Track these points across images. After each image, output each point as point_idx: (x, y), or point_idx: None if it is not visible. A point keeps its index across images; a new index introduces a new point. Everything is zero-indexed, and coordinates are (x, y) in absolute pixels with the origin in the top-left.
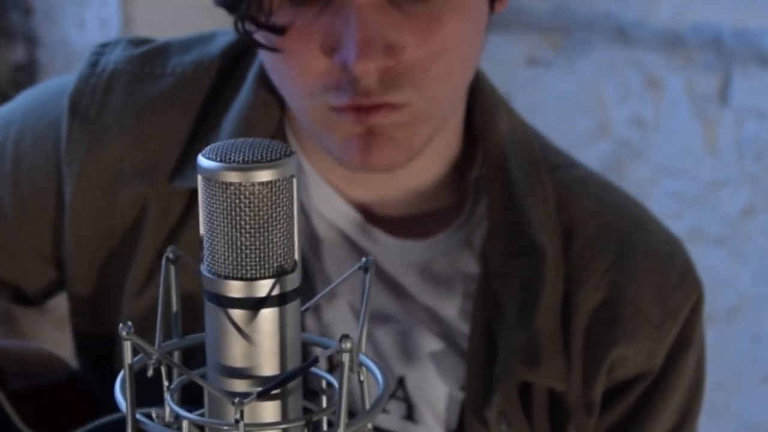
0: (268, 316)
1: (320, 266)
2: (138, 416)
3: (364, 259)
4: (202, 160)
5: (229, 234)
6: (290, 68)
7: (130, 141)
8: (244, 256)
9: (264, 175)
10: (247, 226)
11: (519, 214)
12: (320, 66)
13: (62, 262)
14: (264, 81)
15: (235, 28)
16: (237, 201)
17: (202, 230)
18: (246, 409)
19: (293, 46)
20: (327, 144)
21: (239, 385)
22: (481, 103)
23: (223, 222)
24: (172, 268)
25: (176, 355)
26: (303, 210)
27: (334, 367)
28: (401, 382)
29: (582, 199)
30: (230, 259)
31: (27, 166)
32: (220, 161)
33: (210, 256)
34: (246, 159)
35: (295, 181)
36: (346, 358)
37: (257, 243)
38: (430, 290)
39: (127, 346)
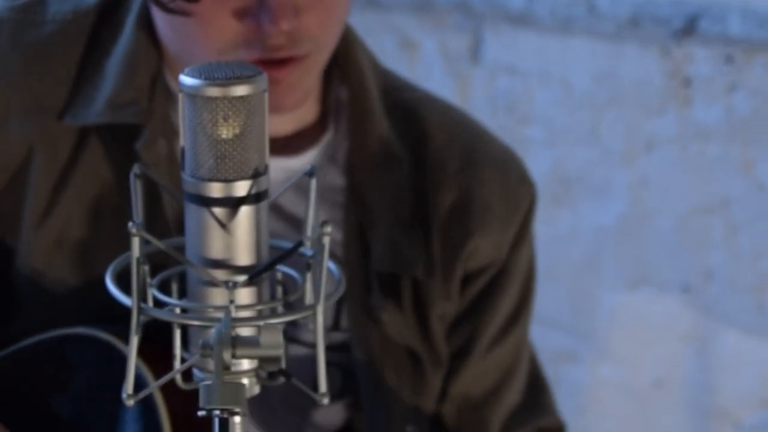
0: (246, 212)
1: None
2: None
3: (309, 165)
4: (185, 79)
5: (212, 142)
6: (201, 32)
7: (17, 82)
8: (225, 160)
9: (242, 90)
10: (228, 135)
11: (379, 130)
12: (232, 28)
13: None
14: (142, 27)
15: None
16: (219, 112)
17: (182, 141)
18: (223, 295)
19: (206, 11)
20: None
21: (219, 275)
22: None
23: (206, 132)
24: (139, 183)
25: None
26: None
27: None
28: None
29: (429, 115)
30: (212, 164)
31: None
32: (204, 79)
33: (193, 163)
34: (226, 76)
35: (266, 95)
36: (326, 240)
37: (237, 149)
38: (303, 203)
39: (135, 242)
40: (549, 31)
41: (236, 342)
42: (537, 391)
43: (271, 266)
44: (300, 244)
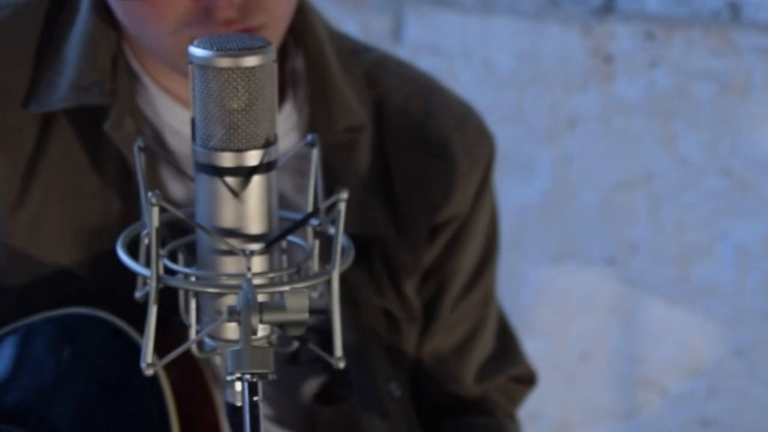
0: (257, 181)
1: (179, 175)
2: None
3: (309, 136)
4: (196, 51)
5: (223, 113)
6: (152, 12)
7: None
8: (236, 130)
9: (253, 60)
10: (239, 105)
11: (340, 97)
12: (182, 5)
13: None
14: (98, 9)
15: None
16: (231, 83)
17: (193, 113)
18: (236, 263)
19: None
20: (167, 56)
21: (233, 243)
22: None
23: (217, 103)
24: (143, 156)
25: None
26: (153, 125)
27: None
28: None
29: (385, 76)
30: (223, 134)
31: None
32: (215, 50)
33: (203, 134)
34: (237, 47)
35: (275, 66)
36: (342, 206)
37: (247, 119)
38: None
39: (155, 211)
40: (470, 11)
41: (263, 307)
42: (507, 341)
43: (290, 231)
44: (317, 211)
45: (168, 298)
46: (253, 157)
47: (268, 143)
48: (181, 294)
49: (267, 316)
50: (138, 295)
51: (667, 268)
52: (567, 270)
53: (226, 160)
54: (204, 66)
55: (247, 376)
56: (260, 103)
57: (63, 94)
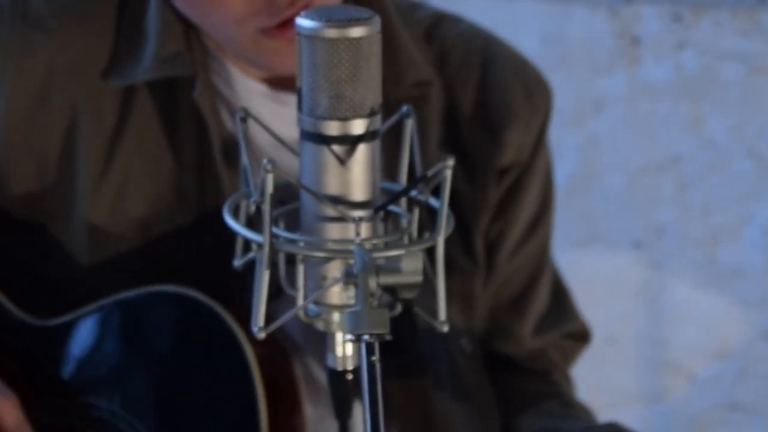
0: (362, 149)
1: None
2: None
3: (404, 107)
4: (303, 21)
5: (329, 83)
6: (213, 6)
7: (57, 43)
8: (342, 100)
9: (359, 31)
10: (346, 75)
11: (405, 54)
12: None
13: None
14: None
15: None
16: (337, 54)
17: (299, 83)
18: (340, 229)
19: None
20: (254, 59)
21: (331, 211)
22: None
23: (324, 73)
24: (244, 125)
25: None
26: (225, 97)
27: None
28: None
29: (444, 32)
30: (330, 103)
31: None
32: (322, 21)
33: (310, 103)
34: (344, 18)
35: (380, 36)
36: (448, 173)
37: (353, 88)
38: None
39: (269, 178)
40: None
41: (379, 269)
42: (561, 296)
43: (401, 196)
44: (424, 177)
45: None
46: (358, 126)
47: (372, 112)
48: (282, 263)
49: (383, 278)
50: (238, 263)
51: (694, 251)
52: (593, 253)
53: (332, 128)
54: (311, 37)
55: (366, 337)
56: (365, 73)
57: (146, 66)
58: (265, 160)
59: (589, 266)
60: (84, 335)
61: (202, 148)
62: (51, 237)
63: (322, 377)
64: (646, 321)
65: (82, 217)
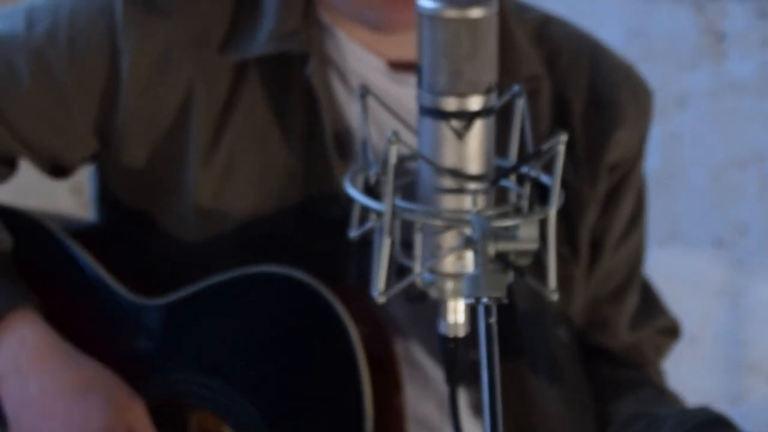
0: (479, 125)
1: (355, 118)
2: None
3: (516, 87)
4: (426, 2)
5: (449, 60)
6: None
7: (178, 16)
8: (461, 77)
9: (478, 12)
10: (465, 53)
11: (518, 48)
12: None
13: (109, 134)
14: None
15: None
16: (457, 33)
17: (420, 61)
18: (449, 199)
19: None
20: (362, 11)
21: (448, 183)
22: None
23: (443, 51)
24: (364, 102)
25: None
26: (340, 71)
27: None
28: None
29: (553, 33)
30: (449, 80)
31: (82, 47)
32: (445, 2)
33: (430, 80)
34: (464, 0)
35: (497, 18)
36: (562, 149)
37: (472, 66)
38: None
39: (393, 150)
40: None
41: (497, 236)
42: (651, 292)
43: (517, 168)
44: (539, 152)
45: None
46: (475, 102)
47: (489, 90)
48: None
49: (501, 245)
50: (354, 233)
51: None
52: (674, 252)
53: (451, 104)
54: (432, 17)
55: (484, 300)
56: (483, 52)
57: (263, 40)
58: (390, 132)
59: (670, 264)
60: (189, 314)
61: (312, 126)
62: (159, 213)
63: (420, 357)
64: (726, 320)
65: (190, 193)
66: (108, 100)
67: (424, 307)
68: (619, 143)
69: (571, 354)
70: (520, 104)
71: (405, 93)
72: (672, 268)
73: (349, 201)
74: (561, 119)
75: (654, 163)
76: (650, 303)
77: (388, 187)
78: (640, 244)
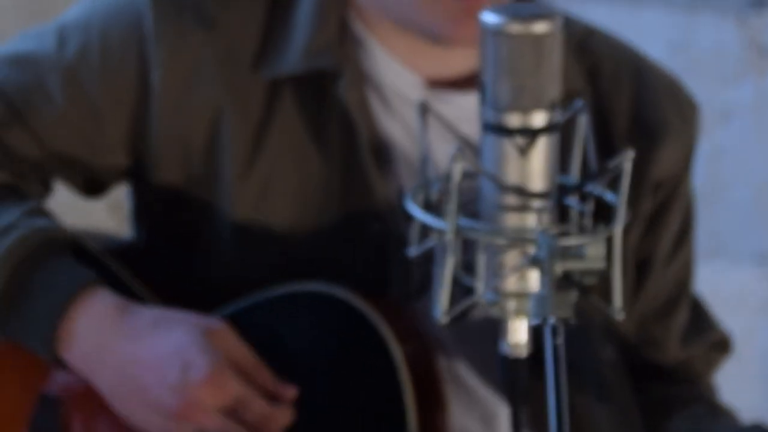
0: (542, 141)
1: (395, 134)
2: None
3: (579, 101)
4: (489, 17)
5: (512, 76)
6: None
7: (209, 35)
8: (525, 92)
9: (542, 27)
10: (529, 69)
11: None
12: None
13: (141, 149)
14: None
15: None
16: (521, 49)
17: (484, 76)
18: (512, 217)
19: None
20: (423, 21)
21: (511, 200)
22: None
23: (507, 67)
24: (425, 116)
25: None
26: (376, 86)
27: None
28: None
29: (596, 46)
30: (513, 95)
31: (114, 64)
32: (507, 18)
33: (493, 96)
34: (528, 15)
35: (561, 34)
36: (628, 166)
37: (535, 82)
38: None
39: (457, 168)
40: (619, 3)
41: (564, 255)
42: (700, 307)
43: (584, 186)
44: (605, 169)
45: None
46: (538, 118)
47: (552, 105)
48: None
49: (568, 264)
50: (414, 252)
51: None
52: (716, 268)
53: (514, 120)
54: (497, 33)
55: (551, 320)
56: (547, 67)
57: (295, 58)
58: (454, 149)
59: (713, 280)
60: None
61: (349, 144)
62: (196, 231)
63: (464, 374)
64: None
65: (227, 212)
66: (140, 113)
67: (469, 323)
68: (664, 160)
69: (618, 372)
70: (583, 120)
71: (443, 109)
72: (715, 284)
73: (391, 216)
74: (602, 135)
75: (697, 178)
76: (700, 318)
77: (452, 206)
78: (688, 260)
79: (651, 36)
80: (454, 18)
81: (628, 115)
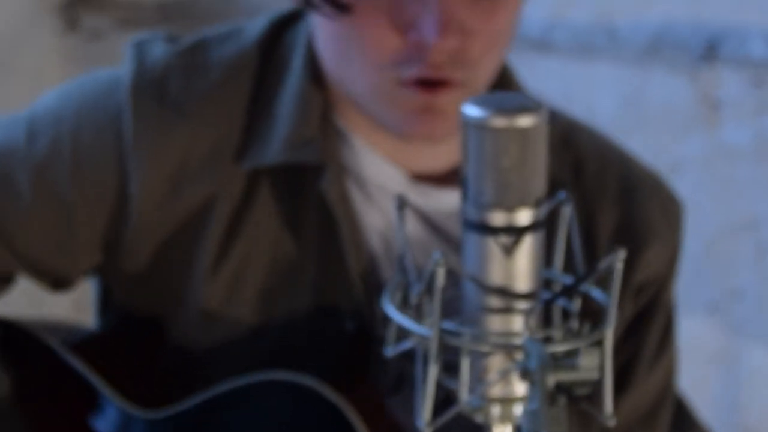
0: (528, 240)
1: (377, 229)
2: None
3: (562, 193)
4: (470, 110)
5: (495, 172)
6: (360, 44)
7: (193, 130)
8: (509, 189)
9: (527, 121)
10: (513, 164)
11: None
12: (392, 43)
13: (115, 246)
14: (310, 64)
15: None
16: (504, 143)
17: (465, 172)
18: (497, 320)
19: (364, 22)
20: (385, 116)
21: (495, 302)
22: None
23: (489, 162)
24: (402, 213)
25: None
26: (357, 180)
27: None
28: None
29: (579, 141)
30: (496, 192)
31: (88, 162)
32: (489, 110)
33: (475, 192)
34: (511, 108)
35: (547, 126)
36: (620, 266)
37: (520, 177)
38: None
39: (440, 273)
40: (571, 57)
41: (556, 366)
42: (684, 408)
43: (574, 288)
44: (594, 270)
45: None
46: (524, 216)
47: (539, 202)
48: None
49: (561, 375)
50: (391, 353)
51: None
52: None
53: (498, 218)
54: (479, 126)
55: None
56: (532, 163)
57: (276, 149)
58: (435, 254)
59: None
60: (195, 426)
61: (327, 238)
62: (164, 321)
63: None
64: (722, 386)
65: (197, 301)
66: (116, 217)
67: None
68: (648, 264)
69: None
70: (567, 212)
71: (426, 204)
72: None
73: (368, 313)
74: (585, 233)
75: None
76: (683, 419)
77: (436, 313)
78: (671, 364)
79: (603, 90)
80: (413, 114)
81: (612, 215)
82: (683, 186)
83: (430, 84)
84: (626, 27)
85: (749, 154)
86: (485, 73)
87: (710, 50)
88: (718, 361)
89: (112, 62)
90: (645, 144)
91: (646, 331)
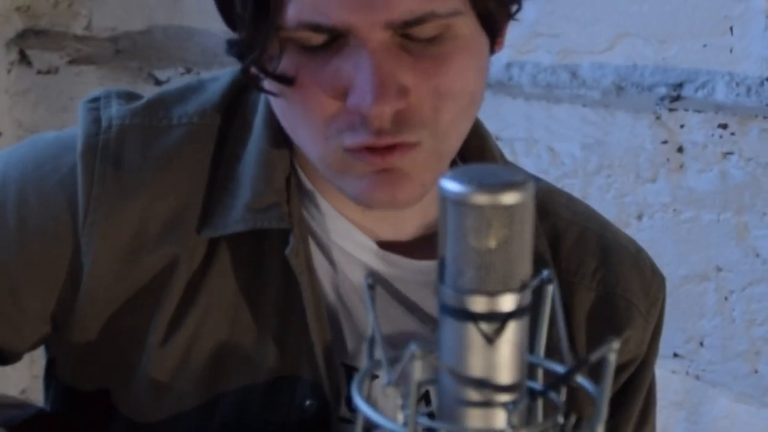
0: (512, 327)
1: (341, 298)
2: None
3: (545, 272)
4: (449, 184)
5: (477, 252)
6: (302, 114)
7: (151, 196)
8: (491, 271)
9: (512, 198)
10: (496, 244)
11: None
12: (332, 109)
13: (64, 318)
14: (271, 124)
15: (245, 77)
16: (486, 221)
17: (443, 251)
18: (477, 414)
19: (305, 90)
20: (342, 184)
21: (476, 395)
22: (473, 128)
23: (470, 241)
24: (371, 292)
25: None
26: (322, 245)
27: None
28: (426, 396)
29: (557, 209)
30: (477, 274)
31: (35, 230)
32: (470, 185)
33: (454, 273)
34: (495, 183)
35: (533, 203)
36: (613, 357)
37: (504, 259)
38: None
39: (418, 366)
40: (533, 99)
41: None
42: None
43: (565, 381)
44: (585, 361)
45: None
46: (507, 302)
47: (523, 286)
48: None
49: None
50: None
51: (736, 363)
52: None
53: (479, 304)
54: (458, 202)
55: None
56: (517, 243)
57: (238, 216)
58: (412, 346)
59: None
60: None
61: (289, 308)
62: (113, 394)
63: None
64: None
65: (148, 373)
66: (66, 291)
67: None
68: (630, 341)
69: None
70: (550, 290)
71: (396, 275)
72: None
73: (331, 391)
74: (563, 309)
75: None
76: None
77: (412, 410)
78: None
79: (566, 133)
80: (368, 180)
81: (590, 294)
82: (647, 231)
83: (377, 150)
84: (590, 68)
85: (713, 199)
86: (445, 131)
87: (674, 93)
88: (681, 408)
89: (62, 98)
90: (608, 189)
91: (626, 409)
